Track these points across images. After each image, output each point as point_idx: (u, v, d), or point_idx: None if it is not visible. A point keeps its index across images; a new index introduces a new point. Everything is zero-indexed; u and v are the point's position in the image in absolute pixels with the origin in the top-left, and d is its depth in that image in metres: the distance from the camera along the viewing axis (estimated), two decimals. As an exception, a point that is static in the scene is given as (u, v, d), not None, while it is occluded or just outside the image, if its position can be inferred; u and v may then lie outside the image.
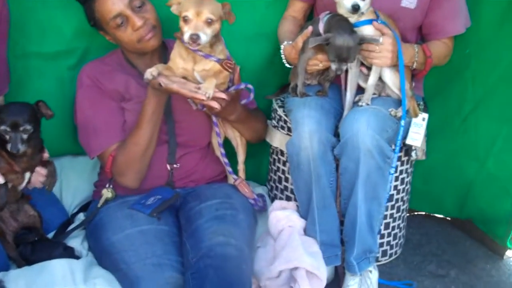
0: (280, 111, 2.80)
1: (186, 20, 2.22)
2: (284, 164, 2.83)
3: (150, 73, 2.25)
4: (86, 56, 2.71)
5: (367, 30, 2.46)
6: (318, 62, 2.53)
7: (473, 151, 3.05)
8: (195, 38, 2.19)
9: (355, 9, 2.38)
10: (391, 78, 2.53)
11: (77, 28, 2.61)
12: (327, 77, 2.66)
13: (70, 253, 2.40)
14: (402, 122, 2.48)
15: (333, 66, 2.42)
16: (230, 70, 2.33)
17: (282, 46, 2.66)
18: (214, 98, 2.26)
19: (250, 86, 2.49)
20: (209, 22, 2.21)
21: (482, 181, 3.06)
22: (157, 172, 2.55)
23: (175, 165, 2.57)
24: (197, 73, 2.31)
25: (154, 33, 2.45)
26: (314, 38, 2.44)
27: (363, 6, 2.40)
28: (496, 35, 2.82)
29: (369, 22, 2.44)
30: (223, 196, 2.53)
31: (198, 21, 2.20)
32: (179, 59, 2.32)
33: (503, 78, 2.87)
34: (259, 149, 2.96)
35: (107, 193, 2.53)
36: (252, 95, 2.53)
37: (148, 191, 2.51)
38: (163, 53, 2.55)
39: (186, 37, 2.20)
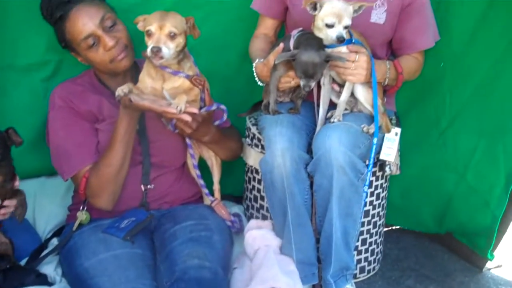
0: (253, 129, 2.79)
1: (149, 34, 2.22)
2: (259, 183, 2.81)
3: (121, 90, 2.24)
4: (60, 69, 2.72)
5: (343, 50, 2.46)
6: (290, 79, 2.53)
7: (452, 164, 3.05)
8: (155, 50, 2.18)
9: (340, 40, 2.38)
10: (363, 95, 2.53)
11: (50, 41, 2.59)
12: (299, 94, 2.66)
13: (42, 280, 2.37)
14: (375, 140, 2.49)
15: (301, 83, 2.41)
16: (200, 86, 2.32)
17: (254, 64, 2.66)
18: (186, 113, 2.24)
19: (223, 106, 2.48)
20: (172, 36, 2.21)
21: (462, 194, 3.05)
22: (131, 193, 2.52)
23: (149, 186, 2.55)
24: (167, 92, 2.30)
25: (126, 53, 2.45)
26: (281, 54, 2.45)
27: (345, 35, 2.40)
28: (469, 48, 2.84)
29: (344, 43, 2.43)
30: (198, 217, 2.51)
31: (160, 34, 2.21)
32: (148, 79, 2.32)
33: (478, 91, 2.88)
34: (237, 163, 2.95)
35: (81, 215, 2.50)
36: (225, 116, 2.53)
37: (122, 213, 2.49)
38: (135, 73, 2.53)
39: (148, 50, 2.20)
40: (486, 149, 2.92)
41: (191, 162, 2.58)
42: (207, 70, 2.58)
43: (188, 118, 2.25)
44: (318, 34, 2.42)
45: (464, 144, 2.98)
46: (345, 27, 2.38)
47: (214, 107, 2.40)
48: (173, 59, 2.28)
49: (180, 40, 2.25)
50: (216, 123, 2.53)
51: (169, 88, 2.30)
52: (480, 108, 2.90)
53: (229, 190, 3.06)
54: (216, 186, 2.71)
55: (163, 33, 2.21)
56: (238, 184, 3.09)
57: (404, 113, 2.97)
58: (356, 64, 2.43)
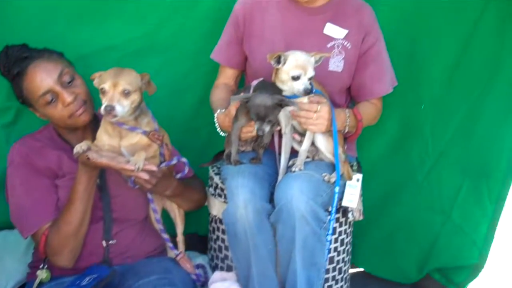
0: (216, 179, 2.79)
1: (103, 92, 2.22)
2: (223, 233, 2.79)
3: (79, 147, 2.23)
4: (21, 115, 2.72)
5: (304, 101, 2.48)
6: (251, 129, 2.54)
7: (437, 204, 3.08)
8: (109, 109, 2.18)
9: (307, 93, 2.41)
10: (323, 144, 2.56)
11: (10, 87, 2.54)
12: (261, 143, 2.67)
13: None
14: (337, 189, 2.50)
15: (255, 126, 2.43)
16: (158, 142, 2.31)
17: (215, 115, 2.67)
18: (144, 170, 2.24)
19: (183, 159, 2.48)
20: (126, 93, 2.21)
21: (448, 233, 3.08)
22: (92, 249, 2.48)
23: (111, 242, 2.51)
24: (124, 149, 2.30)
25: (85, 108, 2.43)
26: (236, 96, 2.48)
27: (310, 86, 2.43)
28: (447, 92, 2.93)
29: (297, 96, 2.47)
30: (162, 271, 2.47)
31: (114, 92, 2.21)
32: (105, 136, 2.31)
33: (459, 132, 2.96)
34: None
35: (41, 274, 2.44)
36: (187, 168, 2.53)
37: (84, 270, 2.44)
38: (95, 127, 2.52)
39: (102, 109, 2.20)
40: (471, 189, 2.98)
41: (154, 217, 2.56)
42: (167, 115, 2.64)
43: (145, 176, 2.25)
44: (282, 86, 2.46)
45: (449, 184, 3.03)
46: (309, 79, 2.42)
47: (174, 162, 2.40)
48: (129, 115, 2.28)
49: (135, 97, 2.25)
50: (178, 176, 2.52)
51: (127, 145, 2.30)
52: (462, 148, 2.97)
53: (193, 229, 3.05)
54: (180, 238, 2.70)
55: (117, 91, 2.21)
56: (202, 223, 3.06)
57: (389, 155, 3.05)
58: (318, 114, 2.46)
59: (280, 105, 2.41)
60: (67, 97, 2.38)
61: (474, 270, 3.04)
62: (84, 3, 2.73)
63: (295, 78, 2.40)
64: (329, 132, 2.53)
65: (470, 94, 2.90)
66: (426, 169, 3.08)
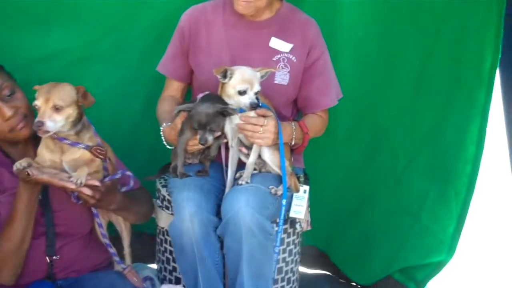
0: (163, 191, 2.77)
1: (36, 108, 2.19)
2: (171, 245, 2.77)
3: (19, 164, 2.18)
4: None
5: (251, 114, 2.50)
6: (197, 141, 2.53)
7: (408, 206, 3.17)
8: (39, 125, 2.15)
9: (253, 107, 2.42)
10: (270, 157, 2.56)
11: None
12: (208, 156, 2.67)
13: None
14: (284, 202, 2.51)
15: (198, 136, 2.43)
16: (101, 156, 2.28)
17: (161, 128, 2.66)
18: (87, 186, 2.21)
19: (128, 173, 2.46)
20: (57, 109, 2.18)
21: (417, 234, 3.17)
22: (35, 265, 2.43)
23: (54, 257, 2.46)
24: (66, 164, 2.26)
25: (26, 123, 2.37)
26: (179, 106, 2.50)
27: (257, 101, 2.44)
28: (413, 101, 3.02)
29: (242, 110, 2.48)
30: (108, 286, 2.44)
31: (45, 108, 2.18)
32: (46, 151, 2.27)
33: (427, 139, 3.07)
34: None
35: None
36: (132, 182, 2.50)
37: (27, 286, 2.39)
38: (37, 141, 2.44)
39: (33, 125, 2.17)
40: (439, 192, 3.09)
41: (99, 231, 2.52)
42: (111, 121, 2.71)
43: (88, 191, 2.22)
44: (228, 100, 2.46)
45: (418, 188, 3.14)
46: (256, 93, 2.43)
47: (118, 175, 2.37)
48: (68, 130, 2.25)
49: (70, 111, 2.22)
50: (123, 189, 2.49)
51: (69, 160, 2.26)
52: (430, 154, 3.09)
53: (142, 227, 3.00)
54: (127, 250, 2.67)
55: (48, 106, 2.18)
56: (150, 220, 2.98)
57: (367, 159, 3.14)
58: (264, 128, 2.47)
59: (223, 114, 2.43)
60: (7, 112, 2.32)
61: (437, 267, 3.16)
62: (24, 11, 2.70)
63: (242, 93, 2.41)
64: (275, 145, 2.54)
65: (436, 102, 3.01)
66: (397, 174, 3.16)
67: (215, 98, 2.48)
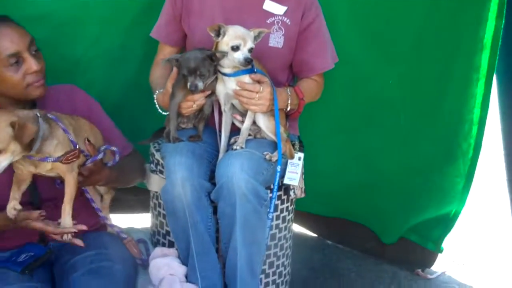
0: (157, 155, 2.75)
1: None
2: (164, 209, 2.77)
3: (12, 209, 2.21)
4: None
5: (246, 79, 2.48)
6: (191, 103, 2.52)
7: (417, 167, 3.22)
8: None
9: (248, 62, 2.40)
10: (264, 123, 2.55)
11: None
12: (202, 116, 2.65)
13: None
14: (278, 168, 2.50)
15: (188, 83, 2.42)
16: (74, 159, 2.22)
17: (154, 96, 2.64)
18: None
19: (113, 148, 2.42)
20: None
21: (428, 191, 3.26)
22: (27, 231, 2.40)
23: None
24: (46, 173, 2.24)
25: (43, 82, 2.35)
26: (167, 58, 2.51)
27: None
28: (413, 65, 3.02)
29: (247, 72, 2.46)
30: (99, 247, 2.43)
31: None
32: (20, 166, 2.22)
33: (428, 105, 3.09)
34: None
35: None
36: (117, 157, 2.44)
37: (19, 247, 2.38)
38: (32, 108, 2.39)
39: None
40: (446, 153, 3.17)
41: (87, 196, 2.50)
42: (105, 84, 2.75)
43: (80, 243, 2.28)
44: (224, 60, 2.44)
45: (426, 150, 3.19)
46: (249, 50, 2.41)
47: (100, 156, 2.31)
48: (24, 155, 2.16)
49: (11, 149, 2.09)
50: (109, 164, 2.42)
51: (46, 171, 2.23)
52: (434, 118, 3.12)
53: None
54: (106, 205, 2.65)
55: None
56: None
57: (363, 125, 3.17)
58: (260, 95, 2.45)
59: (212, 59, 2.42)
60: (34, 65, 2.29)
61: (450, 221, 3.27)
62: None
63: (235, 49, 2.40)
64: (270, 111, 2.52)
65: (436, 67, 3.02)
66: (401, 138, 3.19)
67: (204, 48, 2.48)
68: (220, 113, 2.60)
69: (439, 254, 3.39)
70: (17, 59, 2.28)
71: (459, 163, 3.16)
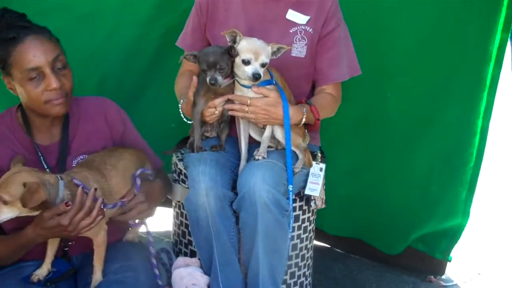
0: (180, 165, 2.78)
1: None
2: (187, 218, 2.78)
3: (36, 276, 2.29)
4: None
5: (250, 94, 2.49)
6: (213, 110, 2.52)
7: (414, 181, 3.25)
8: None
9: (256, 78, 2.40)
10: (282, 135, 2.55)
11: None
12: (225, 125, 2.67)
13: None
14: (290, 187, 2.48)
15: (208, 77, 2.42)
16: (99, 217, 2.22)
17: (179, 106, 2.67)
18: None
19: (149, 172, 2.45)
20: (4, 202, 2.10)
21: (428, 206, 3.27)
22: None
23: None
24: None
25: (64, 100, 2.31)
26: (185, 54, 2.55)
27: (262, 73, 2.42)
28: (412, 80, 3.07)
29: (265, 83, 2.48)
30: (123, 258, 2.42)
31: None
32: None
33: (425, 118, 3.13)
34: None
35: None
36: (138, 182, 2.40)
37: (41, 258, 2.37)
38: (65, 123, 2.42)
39: None
40: (444, 165, 3.19)
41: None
42: (119, 76, 2.79)
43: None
44: (237, 72, 2.46)
45: (421, 164, 3.23)
46: (262, 65, 2.41)
47: (119, 204, 2.32)
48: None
49: (14, 205, 2.08)
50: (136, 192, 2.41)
51: None
52: (435, 128, 3.15)
53: None
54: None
55: None
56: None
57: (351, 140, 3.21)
58: (249, 108, 2.46)
59: (230, 54, 2.43)
60: (54, 82, 2.24)
61: (456, 232, 3.30)
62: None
63: (246, 62, 2.40)
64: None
65: (434, 83, 3.03)
66: (398, 150, 3.20)
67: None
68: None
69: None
70: (37, 74, 2.24)
71: (460, 173, 3.18)
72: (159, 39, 3.06)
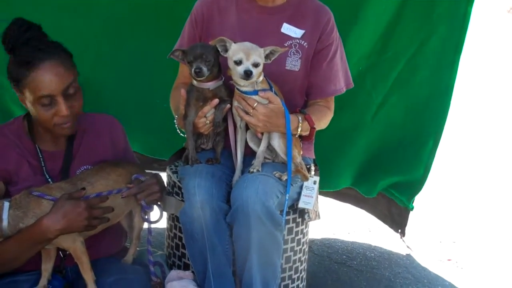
0: (174, 177, 2.79)
1: None
2: (181, 231, 2.78)
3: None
4: None
5: (256, 97, 2.49)
6: (204, 119, 2.54)
7: (388, 138, 3.61)
8: None
9: (248, 75, 2.41)
10: (279, 145, 2.57)
11: None
12: (220, 138, 2.68)
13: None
14: (287, 196, 2.51)
15: (193, 68, 2.45)
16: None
17: (175, 121, 2.69)
18: None
19: (142, 179, 2.48)
20: None
21: (400, 156, 3.61)
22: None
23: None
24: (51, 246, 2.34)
25: (73, 123, 2.36)
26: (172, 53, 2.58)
27: (255, 72, 2.43)
28: (383, 56, 3.38)
29: (255, 93, 2.49)
30: (119, 272, 2.42)
31: None
32: None
33: (398, 82, 3.45)
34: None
35: None
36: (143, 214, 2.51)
37: (36, 271, 2.39)
38: (70, 137, 2.47)
39: None
40: (414, 119, 3.51)
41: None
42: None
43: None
44: (234, 78, 2.48)
45: (395, 120, 3.54)
46: (255, 65, 2.42)
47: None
48: None
49: None
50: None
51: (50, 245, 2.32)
52: (403, 94, 3.47)
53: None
54: (135, 242, 2.62)
55: None
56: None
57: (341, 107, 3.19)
58: (253, 112, 2.48)
59: (217, 50, 2.47)
60: (64, 110, 2.28)
61: (418, 185, 3.59)
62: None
63: (237, 63, 2.42)
64: (284, 134, 2.53)
65: (405, 54, 3.36)
66: (372, 112, 3.51)
67: None
68: (235, 132, 2.64)
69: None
70: (49, 101, 2.27)
71: (426, 125, 3.48)
72: (154, 64, 3.23)
